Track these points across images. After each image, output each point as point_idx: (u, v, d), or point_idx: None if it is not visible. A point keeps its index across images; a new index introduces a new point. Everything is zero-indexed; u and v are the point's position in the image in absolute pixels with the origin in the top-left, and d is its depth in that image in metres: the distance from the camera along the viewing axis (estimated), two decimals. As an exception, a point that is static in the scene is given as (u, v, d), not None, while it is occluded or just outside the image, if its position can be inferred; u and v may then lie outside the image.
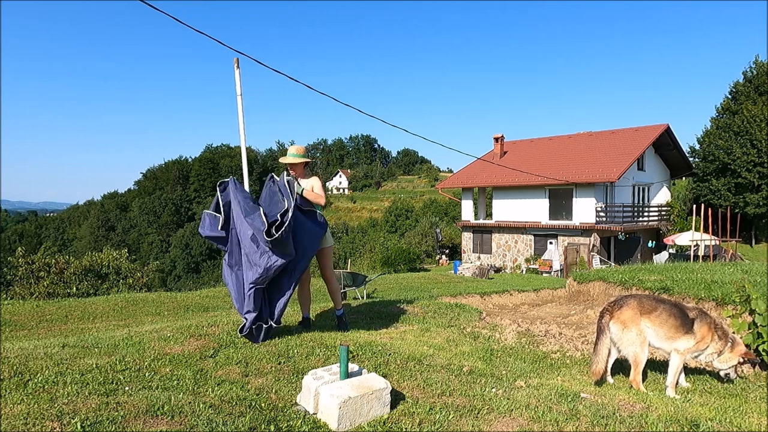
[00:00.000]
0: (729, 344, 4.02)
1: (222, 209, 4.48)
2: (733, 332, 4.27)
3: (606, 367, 4.06)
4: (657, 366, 4.66)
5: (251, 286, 4.30)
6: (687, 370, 4.39)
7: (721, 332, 4.03)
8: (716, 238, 20.85)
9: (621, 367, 4.42)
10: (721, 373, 4.18)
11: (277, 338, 4.49)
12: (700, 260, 17.55)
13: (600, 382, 4.00)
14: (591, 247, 24.62)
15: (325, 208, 5.75)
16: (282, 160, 5.29)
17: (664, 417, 3.09)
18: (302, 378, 3.15)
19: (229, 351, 4.02)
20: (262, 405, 2.97)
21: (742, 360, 4.09)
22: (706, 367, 4.67)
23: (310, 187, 5.11)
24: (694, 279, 7.98)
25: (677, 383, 4.04)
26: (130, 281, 13.66)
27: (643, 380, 4.06)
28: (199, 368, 3.60)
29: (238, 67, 4.86)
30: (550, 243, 26.69)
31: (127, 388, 3.09)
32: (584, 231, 25.28)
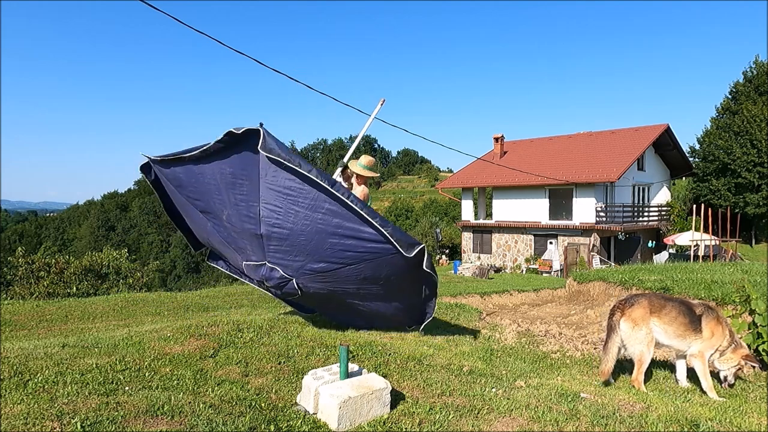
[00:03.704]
0: (733, 345, 4.00)
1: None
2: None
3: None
4: (657, 366, 4.66)
5: None
6: (687, 370, 4.38)
7: (728, 330, 4.03)
8: (716, 238, 20.84)
9: (621, 367, 4.42)
10: (721, 375, 4.15)
11: (277, 338, 4.50)
12: (700, 260, 17.54)
13: (608, 381, 3.98)
14: (591, 247, 24.60)
15: None
16: (354, 168, 5.20)
17: (664, 417, 3.08)
18: (302, 378, 3.15)
19: (229, 351, 4.02)
20: (262, 405, 2.97)
21: (743, 362, 4.06)
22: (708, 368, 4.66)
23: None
24: (694, 279, 7.99)
25: (706, 384, 3.98)
26: (130, 281, 13.64)
27: (645, 381, 4.05)
28: (199, 368, 3.60)
29: (381, 106, 5.27)
30: (550, 243, 26.67)
31: (127, 388, 3.09)
32: (584, 231, 25.26)
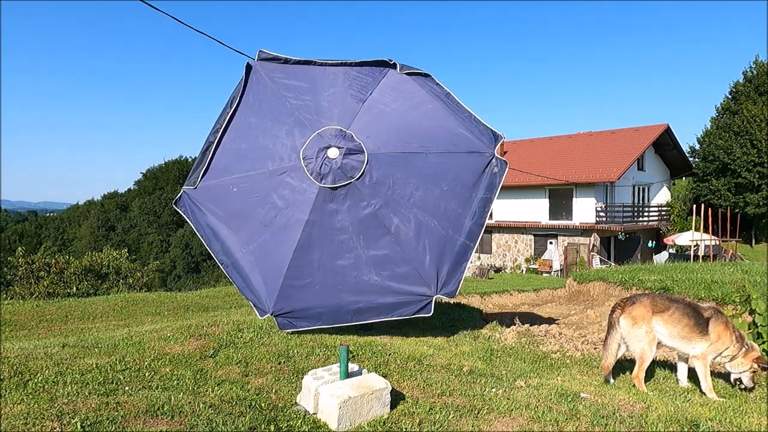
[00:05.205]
0: (744, 349, 3.97)
1: None
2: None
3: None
4: (657, 365, 4.66)
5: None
6: (688, 371, 4.38)
7: (738, 335, 4.00)
8: (716, 238, 20.83)
9: (621, 367, 4.42)
10: (732, 378, 4.11)
11: (277, 338, 4.50)
12: (700, 260, 17.54)
13: (608, 377, 4.00)
14: (591, 247, 24.60)
15: None
16: None
17: (664, 417, 3.08)
18: (302, 378, 3.15)
19: (229, 351, 4.02)
20: (262, 405, 2.97)
21: (756, 366, 3.99)
22: (714, 369, 4.67)
23: None
24: (694, 279, 7.99)
25: (706, 386, 3.96)
26: (130, 281, 13.65)
27: (645, 380, 4.04)
28: (199, 368, 3.60)
29: None
30: (550, 243, 26.67)
31: (127, 388, 3.09)
32: (584, 231, 25.26)
